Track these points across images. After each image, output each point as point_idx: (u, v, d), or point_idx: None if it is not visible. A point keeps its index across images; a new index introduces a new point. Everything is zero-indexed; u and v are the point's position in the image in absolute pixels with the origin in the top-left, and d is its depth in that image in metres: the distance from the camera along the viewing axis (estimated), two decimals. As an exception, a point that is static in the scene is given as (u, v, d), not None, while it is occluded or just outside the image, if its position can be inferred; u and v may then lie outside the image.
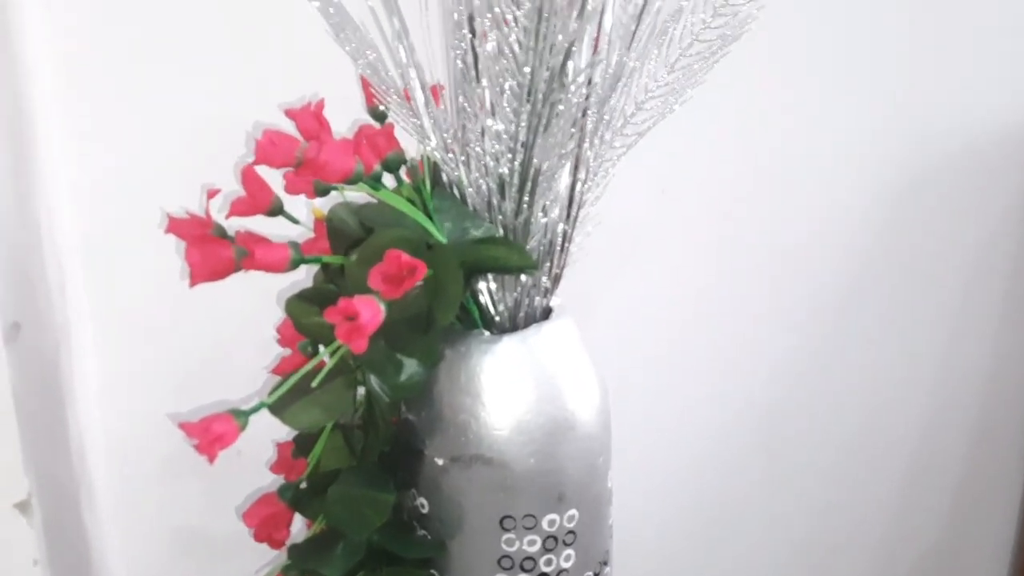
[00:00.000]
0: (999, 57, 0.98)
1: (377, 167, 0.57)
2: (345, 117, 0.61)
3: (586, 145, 0.59)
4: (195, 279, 0.51)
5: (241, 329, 0.73)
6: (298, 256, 0.53)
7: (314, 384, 0.51)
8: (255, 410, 0.50)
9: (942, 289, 1.05)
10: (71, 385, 0.66)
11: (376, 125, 0.62)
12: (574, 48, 0.48)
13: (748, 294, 0.97)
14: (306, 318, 0.53)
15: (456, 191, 0.60)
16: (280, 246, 0.52)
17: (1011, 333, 1.09)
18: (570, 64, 0.49)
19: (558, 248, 0.62)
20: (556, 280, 0.63)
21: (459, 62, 0.57)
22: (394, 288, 0.46)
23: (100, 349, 0.70)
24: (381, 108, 0.61)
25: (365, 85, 0.61)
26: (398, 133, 0.60)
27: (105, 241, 0.68)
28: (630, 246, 0.92)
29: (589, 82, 0.51)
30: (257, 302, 0.69)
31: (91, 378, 0.68)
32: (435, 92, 0.63)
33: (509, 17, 0.47)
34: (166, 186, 0.66)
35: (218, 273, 0.52)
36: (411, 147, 0.61)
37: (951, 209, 1.03)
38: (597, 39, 0.52)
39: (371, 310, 0.45)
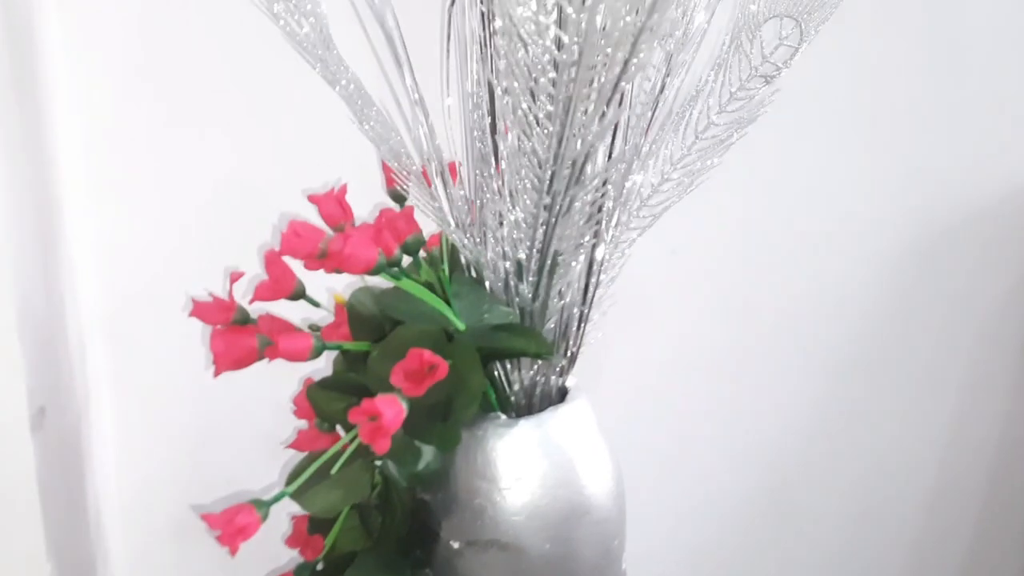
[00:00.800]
0: (1006, 123, 0.99)
1: (397, 252, 0.57)
2: (366, 200, 0.62)
3: (603, 233, 0.59)
4: (219, 368, 0.52)
5: (257, 397, 0.74)
6: (320, 344, 0.53)
7: (333, 472, 0.52)
8: (276, 500, 0.51)
9: (952, 354, 1.05)
10: (90, 455, 0.67)
11: (396, 207, 0.63)
12: (593, 148, 0.49)
13: (758, 357, 0.97)
14: (328, 406, 0.53)
15: (474, 271, 0.60)
16: (303, 335, 0.53)
17: (1022, 397, 1.09)
18: (589, 165, 0.50)
19: (574, 329, 0.63)
20: (572, 360, 0.64)
21: (479, 149, 0.59)
22: (416, 386, 0.47)
23: (119, 417, 0.70)
24: (401, 190, 0.62)
25: (386, 168, 0.62)
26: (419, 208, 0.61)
27: (126, 313, 0.69)
28: (640, 305, 0.92)
29: (605, 182, 0.52)
30: (274, 369, 0.70)
31: (109, 447, 0.69)
32: (452, 169, 0.64)
33: (531, 118, 0.48)
34: (188, 263, 0.67)
35: (242, 362, 0.52)
36: (431, 222, 0.62)
37: (961, 274, 1.03)
38: (613, 141, 0.53)
39: (393, 410, 0.46)
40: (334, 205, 0.58)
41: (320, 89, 0.60)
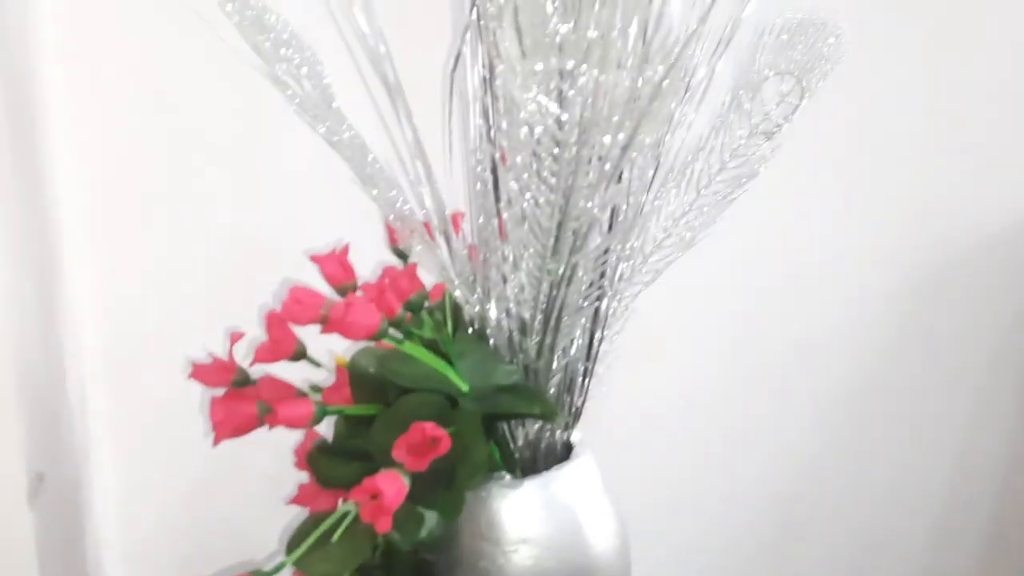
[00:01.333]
0: (1012, 155, 0.99)
1: (400, 312, 0.57)
2: (370, 257, 0.62)
3: (607, 289, 0.59)
4: (219, 437, 0.52)
5: (258, 441, 0.73)
6: (321, 411, 0.53)
7: (334, 539, 0.52)
8: (277, 570, 0.51)
9: (958, 385, 1.05)
10: (90, 512, 0.67)
11: (400, 264, 0.63)
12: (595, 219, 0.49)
13: (763, 392, 0.97)
14: (329, 471, 0.53)
15: (477, 324, 0.60)
16: (303, 402, 0.53)
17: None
18: (591, 233, 0.50)
19: (579, 383, 0.63)
20: (576, 416, 0.64)
21: (481, 206, 0.59)
22: (418, 460, 0.47)
23: (118, 471, 0.70)
24: (404, 248, 0.62)
25: (389, 224, 0.62)
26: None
27: (126, 368, 0.69)
28: (644, 343, 0.92)
29: (607, 250, 0.52)
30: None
31: (110, 502, 0.69)
32: (456, 221, 0.64)
33: (533, 190, 0.48)
34: (189, 318, 0.67)
35: (241, 430, 0.52)
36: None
37: (964, 305, 1.03)
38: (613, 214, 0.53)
39: (395, 487, 0.46)
40: (336, 265, 0.58)
41: (323, 146, 0.60)
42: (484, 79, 0.58)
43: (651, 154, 0.53)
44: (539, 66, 0.40)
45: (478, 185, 0.59)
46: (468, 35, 0.56)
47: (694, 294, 0.91)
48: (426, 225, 0.62)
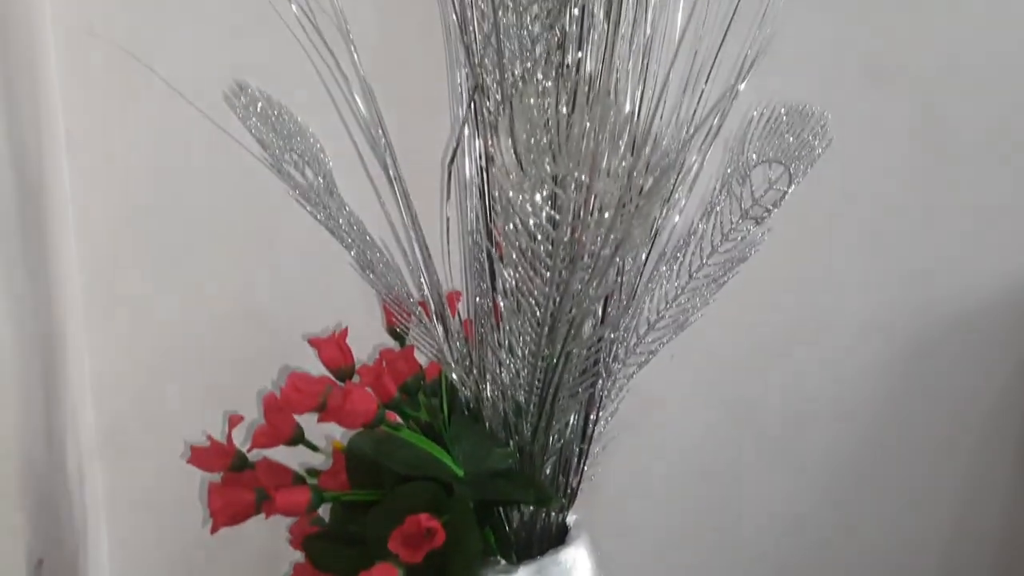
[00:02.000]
0: (1000, 221, 1.01)
1: (396, 396, 0.58)
2: (367, 340, 0.63)
3: (601, 371, 0.60)
4: (216, 524, 0.52)
5: (253, 521, 0.74)
6: (318, 497, 0.53)
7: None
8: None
9: (953, 448, 1.05)
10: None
11: (396, 346, 0.64)
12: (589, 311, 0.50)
13: (758, 459, 0.97)
14: (324, 560, 0.53)
15: (473, 405, 0.61)
16: (300, 490, 0.53)
17: (1023, 496, 1.08)
18: (586, 323, 0.51)
19: (574, 465, 0.63)
20: (572, 497, 0.64)
21: (479, 287, 0.60)
22: (414, 552, 0.47)
23: (114, 547, 0.70)
24: (400, 330, 0.63)
25: (386, 306, 0.64)
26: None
27: (124, 445, 0.69)
28: (638, 411, 0.93)
29: (600, 340, 0.53)
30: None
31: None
32: (452, 302, 0.66)
33: (527, 283, 0.49)
34: (187, 398, 0.67)
35: (239, 517, 0.53)
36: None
37: (959, 370, 1.04)
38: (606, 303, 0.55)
39: (390, 581, 0.46)
40: (335, 349, 0.59)
41: (323, 232, 0.61)
42: (480, 169, 0.60)
43: (643, 241, 0.54)
44: (533, 171, 0.41)
45: (475, 265, 0.60)
46: (465, 128, 0.59)
47: (691, 363, 0.91)
48: (422, 305, 0.63)
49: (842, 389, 0.99)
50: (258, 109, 0.59)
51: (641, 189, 0.41)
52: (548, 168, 0.42)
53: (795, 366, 0.96)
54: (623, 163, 0.40)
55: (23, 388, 0.59)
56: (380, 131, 0.62)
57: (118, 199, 0.68)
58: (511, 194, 0.43)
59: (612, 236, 0.43)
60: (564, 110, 0.40)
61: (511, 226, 0.47)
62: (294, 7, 0.62)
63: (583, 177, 0.41)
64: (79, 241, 0.68)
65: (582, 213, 0.44)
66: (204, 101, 0.63)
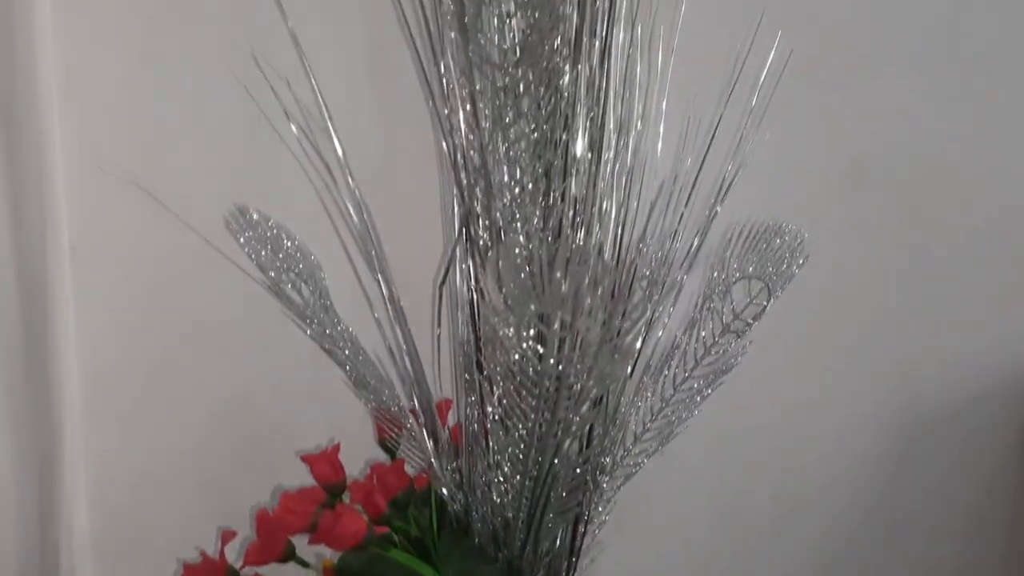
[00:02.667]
0: (983, 319, 1.03)
1: (388, 511, 0.59)
2: (359, 454, 0.64)
3: (588, 491, 0.61)
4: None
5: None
6: (308, 621, 0.54)
7: None
8: None
9: (941, 544, 1.05)
10: None
11: (387, 459, 0.65)
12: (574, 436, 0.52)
13: (753, 550, 0.97)
14: None
15: (462, 519, 0.62)
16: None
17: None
18: (572, 446, 0.53)
19: (562, 578, 0.64)
20: (560, 611, 0.64)
21: (467, 412, 0.61)
22: None
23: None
24: (391, 443, 0.64)
25: (377, 420, 0.65)
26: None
27: (119, 550, 0.69)
28: (630, 506, 0.93)
29: (587, 460, 0.55)
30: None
31: None
32: (442, 409, 0.67)
33: (515, 411, 0.51)
34: (181, 504, 0.68)
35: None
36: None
37: (945, 465, 1.04)
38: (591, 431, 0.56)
39: None
40: (326, 465, 0.60)
41: (316, 349, 0.63)
42: (471, 289, 0.62)
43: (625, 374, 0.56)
44: (518, 310, 0.44)
45: (465, 377, 0.62)
46: (457, 251, 0.61)
47: (677, 454, 0.92)
48: (413, 414, 0.64)
49: (828, 487, 0.99)
50: (257, 232, 0.61)
51: (619, 331, 0.43)
52: (532, 308, 0.44)
53: (782, 465, 0.96)
54: (604, 308, 0.42)
55: (19, 492, 0.60)
56: (375, 250, 0.64)
57: (118, 308, 0.70)
58: (499, 330, 0.45)
59: (595, 370, 0.45)
60: (545, 258, 0.42)
61: (499, 355, 0.49)
62: (294, 127, 0.66)
63: (566, 316, 0.43)
64: (79, 347, 0.70)
65: (566, 347, 0.46)
66: (205, 220, 0.65)
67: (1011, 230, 0.95)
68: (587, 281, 0.42)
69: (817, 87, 0.79)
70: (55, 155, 0.69)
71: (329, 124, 0.65)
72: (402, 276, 0.66)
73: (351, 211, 0.67)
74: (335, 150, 0.65)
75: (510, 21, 0.56)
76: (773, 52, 0.70)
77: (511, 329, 0.45)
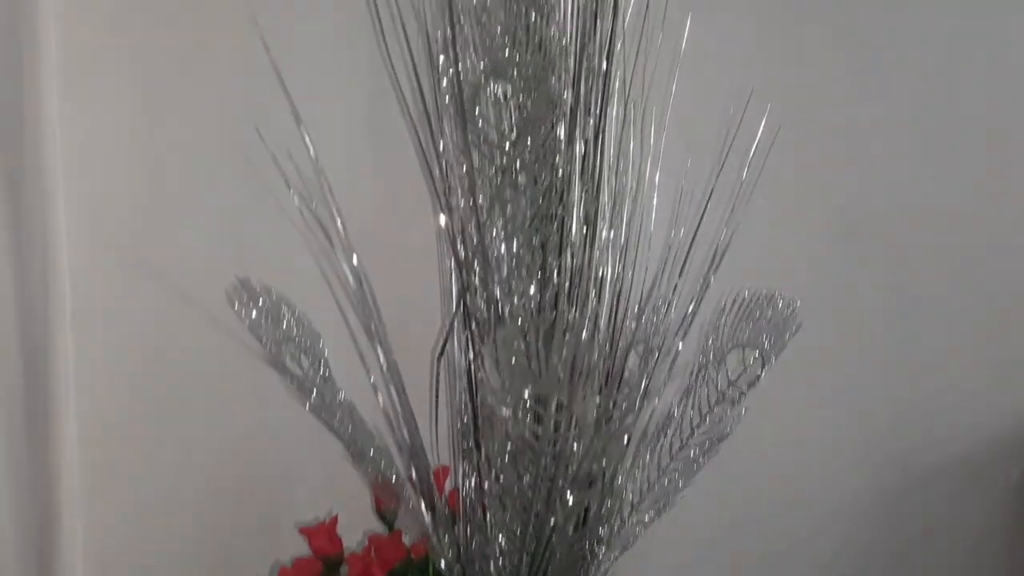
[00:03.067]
0: (971, 376, 1.03)
1: (385, 585, 0.59)
2: (357, 526, 0.64)
3: (587, 554, 0.61)
4: None
5: None
6: None
7: None
8: None
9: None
10: None
11: (384, 530, 0.65)
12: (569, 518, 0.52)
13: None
14: None
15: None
16: None
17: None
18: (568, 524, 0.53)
19: (560, 651, 0.63)
20: None
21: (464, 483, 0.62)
22: None
23: None
24: (389, 514, 0.64)
25: (376, 490, 0.65)
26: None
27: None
28: (622, 563, 0.92)
29: (584, 536, 0.55)
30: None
31: None
32: (439, 477, 0.67)
33: (511, 491, 0.51)
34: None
35: None
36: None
37: (933, 520, 1.04)
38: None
39: None
40: (324, 538, 0.60)
41: (315, 422, 0.63)
42: (469, 364, 0.63)
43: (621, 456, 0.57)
44: (515, 391, 0.44)
45: (463, 444, 0.62)
46: (455, 324, 0.62)
47: (678, 515, 0.92)
48: (410, 482, 0.64)
49: (834, 522, 0.99)
50: (259, 304, 0.62)
51: (611, 417, 0.43)
52: (529, 390, 0.44)
53: (785, 502, 0.95)
54: (601, 390, 0.43)
55: (19, 565, 0.59)
56: (375, 322, 0.65)
57: (118, 377, 0.71)
58: (497, 410, 0.46)
59: (592, 451, 0.45)
60: (541, 343, 0.43)
61: (496, 433, 0.49)
62: (295, 199, 0.67)
63: (563, 398, 0.44)
64: (78, 414, 0.70)
65: (562, 428, 0.46)
66: (206, 290, 0.66)
67: (999, 286, 0.96)
68: (583, 363, 0.43)
69: (806, 158, 0.81)
70: (59, 223, 0.70)
71: (330, 198, 0.67)
72: (401, 346, 0.67)
73: (351, 281, 0.68)
74: (336, 223, 0.66)
75: (507, 103, 0.58)
76: (763, 125, 0.72)
77: (508, 410, 0.46)
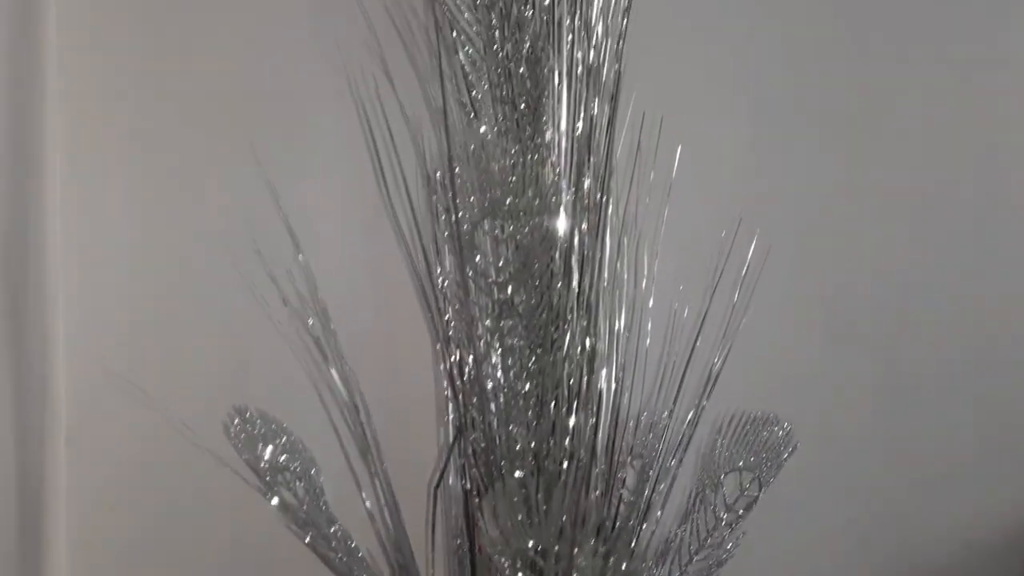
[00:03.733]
0: (964, 472, 1.03)
1: None
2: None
3: None
4: None
5: None
6: None
7: None
8: None
9: None
10: None
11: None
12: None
13: None
14: None
15: None
16: None
17: None
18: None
19: None
20: None
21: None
22: None
23: None
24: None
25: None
26: None
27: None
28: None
29: None
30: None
31: None
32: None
33: None
34: None
35: None
36: None
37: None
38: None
39: None
40: None
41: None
42: (465, 491, 0.62)
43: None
44: (516, 545, 0.44)
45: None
46: (453, 456, 0.62)
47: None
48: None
49: None
50: (255, 431, 0.62)
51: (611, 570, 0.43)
52: (529, 543, 0.44)
53: None
54: (601, 546, 0.43)
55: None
56: (372, 454, 0.65)
57: (110, 499, 0.70)
58: (495, 559, 0.46)
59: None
60: (540, 497, 0.43)
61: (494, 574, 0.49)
62: (298, 331, 0.67)
63: (563, 549, 0.44)
64: (68, 535, 0.69)
65: (562, 578, 0.46)
66: (203, 418, 0.66)
67: (994, 382, 0.96)
68: (582, 515, 0.43)
69: (796, 279, 0.82)
70: (57, 346, 0.70)
71: (326, 323, 0.67)
72: (397, 472, 0.66)
73: (343, 395, 0.68)
74: (338, 353, 0.67)
75: (505, 239, 0.59)
76: (752, 250, 0.74)
77: (507, 560, 0.46)
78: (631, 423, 0.66)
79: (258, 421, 0.64)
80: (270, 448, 0.64)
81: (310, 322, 0.67)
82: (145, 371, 0.69)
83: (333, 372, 0.66)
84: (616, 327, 0.65)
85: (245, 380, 0.70)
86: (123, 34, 0.70)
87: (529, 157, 0.58)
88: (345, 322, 0.67)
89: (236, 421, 0.63)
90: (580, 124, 0.63)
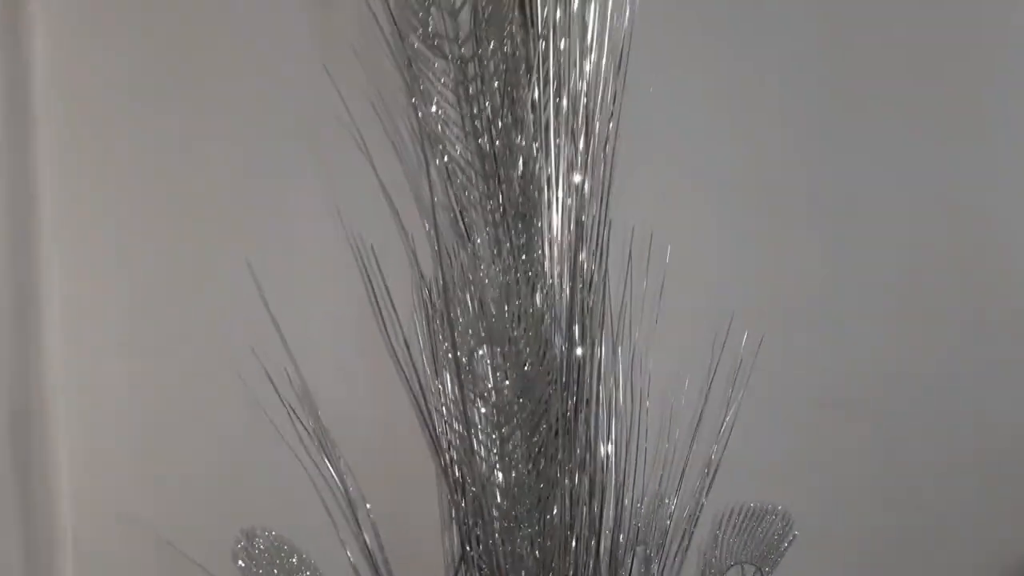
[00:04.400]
0: (963, 537, 1.03)
1: None
2: None
3: None
4: None
5: None
6: None
7: None
8: None
9: None
10: None
11: None
12: None
13: None
14: None
15: None
16: None
17: None
18: None
19: None
20: None
21: None
22: None
23: None
24: None
25: None
26: None
27: None
28: None
29: None
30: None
31: None
32: None
33: None
34: None
35: None
36: None
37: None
38: None
39: None
40: None
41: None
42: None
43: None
44: None
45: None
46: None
47: None
48: None
49: None
50: (263, 558, 0.62)
51: None
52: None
53: None
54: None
55: None
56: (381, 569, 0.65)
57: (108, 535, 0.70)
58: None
59: None
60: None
61: None
62: (305, 451, 0.68)
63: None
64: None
65: None
66: (209, 546, 0.67)
67: (990, 452, 0.95)
68: None
69: (788, 367, 0.82)
70: (61, 487, 0.71)
71: (329, 436, 0.68)
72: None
73: (345, 502, 0.68)
74: (344, 476, 0.68)
75: (503, 361, 0.60)
76: (743, 346, 0.75)
77: None
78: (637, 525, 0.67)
79: (267, 544, 0.64)
80: (278, 570, 0.64)
81: (310, 430, 0.67)
82: (145, 501, 0.69)
83: (340, 487, 0.67)
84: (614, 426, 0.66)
85: (250, 504, 0.70)
86: (112, 152, 0.71)
87: (522, 285, 0.58)
88: (349, 443, 0.67)
89: (247, 548, 0.64)
90: (571, 231, 0.64)
